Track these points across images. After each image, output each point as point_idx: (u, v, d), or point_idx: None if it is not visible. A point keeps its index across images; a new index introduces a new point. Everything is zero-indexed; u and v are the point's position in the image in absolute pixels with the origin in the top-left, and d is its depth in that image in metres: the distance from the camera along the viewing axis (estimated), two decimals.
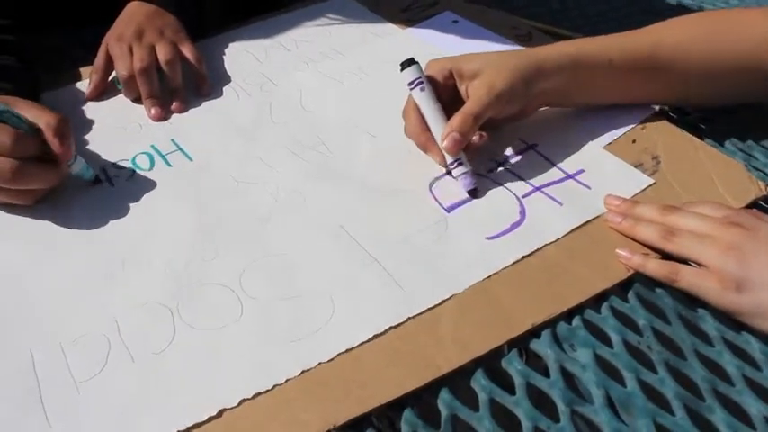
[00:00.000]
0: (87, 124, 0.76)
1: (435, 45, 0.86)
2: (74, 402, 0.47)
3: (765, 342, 0.51)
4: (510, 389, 0.47)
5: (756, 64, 0.66)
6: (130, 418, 0.45)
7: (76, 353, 0.50)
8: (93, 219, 0.62)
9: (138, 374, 0.48)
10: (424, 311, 0.52)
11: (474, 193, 0.62)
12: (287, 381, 0.47)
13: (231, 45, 0.90)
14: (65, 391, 0.47)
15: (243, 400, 0.46)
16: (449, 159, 0.63)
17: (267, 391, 0.47)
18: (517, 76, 0.63)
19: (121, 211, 0.63)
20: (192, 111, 0.78)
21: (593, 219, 0.59)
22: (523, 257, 0.56)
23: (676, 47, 0.67)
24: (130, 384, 0.48)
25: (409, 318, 0.51)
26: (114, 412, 0.46)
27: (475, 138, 0.63)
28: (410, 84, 0.65)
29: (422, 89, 0.64)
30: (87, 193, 0.66)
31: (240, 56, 0.88)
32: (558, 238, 0.57)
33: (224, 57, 0.88)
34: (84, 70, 0.84)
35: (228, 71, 0.85)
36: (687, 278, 0.53)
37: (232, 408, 0.46)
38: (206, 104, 0.79)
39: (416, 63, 0.65)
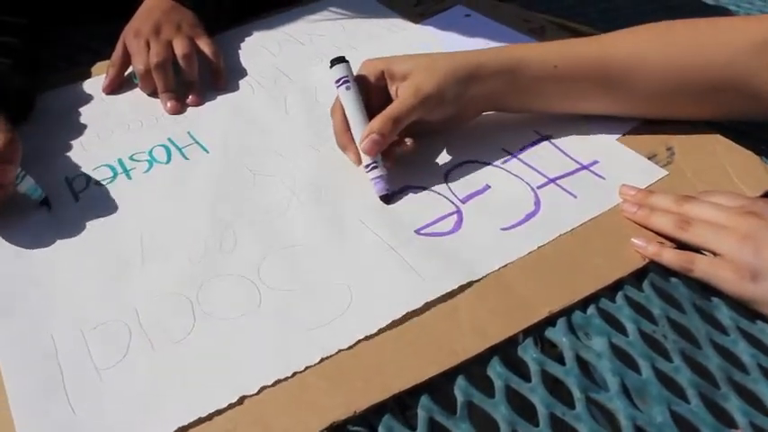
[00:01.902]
0: (103, 118, 0.77)
1: (446, 40, 0.87)
2: (97, 389, 0.47)
3: None
4: (525, 377, 0.48)
5: (731, 78, 0.61)
6: (152, 404, 0.46)
7: (98, 341, 0.51)
8: (111, 210, 0.63)
9: (158, 362, 0.49)
10: (443, 300, 0.52)
11: (386, 199, 0.62)
12: (306, 368, 0.48)
13: (246, 39, 0.91)
14: (88, 379, 0.48)
15: (263, 388, 0.47)
16: (365, 161, 0.63)
17: (287, 378, 0.47)
18: (449, 79, 0.62)
19: (139, 203, 0.64)
20: (207, 104, 0.79)
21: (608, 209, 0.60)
22: (538, 248, 0.56)
23: (629, 57, 0.63)
24: (152, 372, 0.48)
25: (427, 305, 0.52)
26: (137, 399, 0.47)
27: (397, 144, 0.63)
28: (336, 81, 0.65)
29: (347, 88, 0.64)
30: (106, 185, 0.66)
31: (255, 50, 0.88)
32: (573, 228, 0.58)
33: (239, 51, 0.88)
34: (102, 65, 0.85)
35: (244, 65, 0.85)
36: (702, 267, 0.52)
37: (252, 395, 0.46)
38: (221, 98, 0.80)
39: (345, 62, 0.65)
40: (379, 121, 0.61)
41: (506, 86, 0.64)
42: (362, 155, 0.63)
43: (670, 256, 0.54)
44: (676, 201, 0.57)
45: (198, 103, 0.78)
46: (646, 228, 0.57)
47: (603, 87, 0.65)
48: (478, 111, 0.68)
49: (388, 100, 0.64)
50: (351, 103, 0.64)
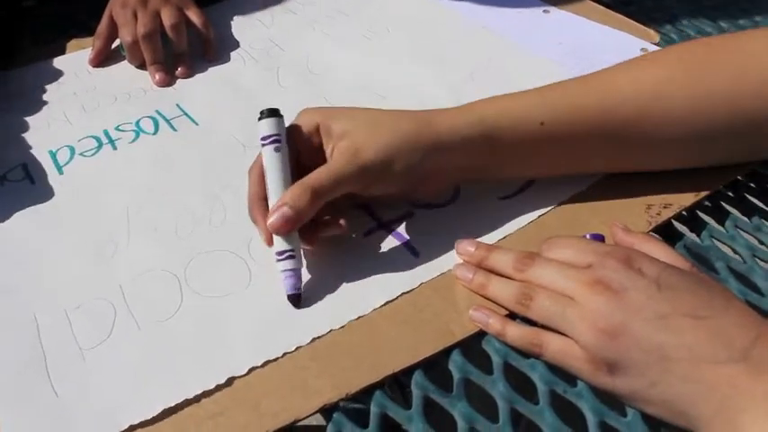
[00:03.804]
0: (89, 91, 0.74)
1: (442, 4, 0.84)
2: (80, 371, 0.46)
3: None
4: (524, 352, 0.46)
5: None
6: (138, 385, 0.44)
7: (81, 320, 0.49)
8: (96, 183, 0.61)
9: (144, 342, 0.47)
10: (438, 276, 0.50)
11: (295, 301, 0.48)
12: (297, 349, 0.46)
13: (237, 10, 0.88)
14: (70, 360, 0.46)
15: (252, 369, 0.45)
16: (277, 245, 0.49)
17: (277, 359, 0.45)
18: (398, 144, 0.49)
19: (125, 175, 0.62)
20: (197, 76, 0.76)
21: None
22: (539, 217, 0.54)
23: (639, 98, 0.51)
24: (137, 352, 0.46)
25: (422, 283, 0.50)
26: (121, 380, 0.45)
27: (324, 225, 0.50)
28: (263, 139, 0.51)
29: (276, 149, 0.50)
30: (90, 156, 0.64)
31: (246, 21, 0.86)
32: (576, 194, 0.56)
33: (231, 22, 0.86)
34: (87, 38, 0.82)
35: (235, 36, 0.83)
36: (553, 353, 0.44)
37: (241, 376, 0.45)
38: (212, 70, 0.77)
39: (279, 116, 0.51)
40: (294, 191, 0.48)
41: (480, 158, 0.51)
42: (274, 236, 0.49)
43: (515, 335, 0.45)
44: (518, 262, 0.47)
45: (187, 75, 0.76)
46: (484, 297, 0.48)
47: (609, 142, 0.53)
48: (443, 187, 0.56)
49: (322, 163, 0.50)
50: (274, 166, 0.50)
